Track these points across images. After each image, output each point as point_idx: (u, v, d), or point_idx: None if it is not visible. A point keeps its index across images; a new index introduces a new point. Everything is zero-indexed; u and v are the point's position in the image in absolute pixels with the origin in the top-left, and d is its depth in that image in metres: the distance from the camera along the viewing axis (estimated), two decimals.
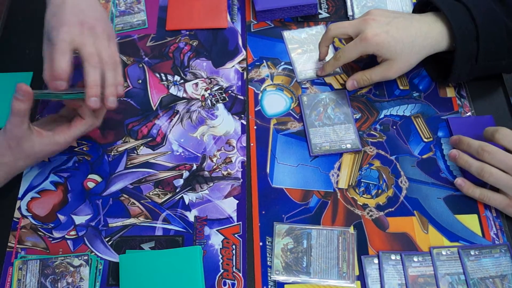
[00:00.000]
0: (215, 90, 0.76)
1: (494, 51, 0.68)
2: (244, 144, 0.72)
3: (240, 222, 0.66)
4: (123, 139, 0.73)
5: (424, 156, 0.70)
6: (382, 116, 0.74)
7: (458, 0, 0.69)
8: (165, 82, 0.78)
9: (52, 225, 0.67)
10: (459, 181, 0.66)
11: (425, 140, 0.71)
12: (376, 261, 0.63)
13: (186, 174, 0.70)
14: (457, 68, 0.69)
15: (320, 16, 0.84)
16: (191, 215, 0.67)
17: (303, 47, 0.80)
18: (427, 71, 0.77)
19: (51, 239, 0.66)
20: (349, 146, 0.71)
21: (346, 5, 0.84)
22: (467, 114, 0.73)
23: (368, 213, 0.66)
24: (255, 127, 0.73)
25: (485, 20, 0.67)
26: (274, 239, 0.64)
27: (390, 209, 0.66)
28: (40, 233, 0.66)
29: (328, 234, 0.64)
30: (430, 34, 0.69)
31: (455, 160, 0.67)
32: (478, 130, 0.69)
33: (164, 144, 0.72)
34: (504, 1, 0.69)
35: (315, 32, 0.81)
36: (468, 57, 0.68)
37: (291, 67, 0.79)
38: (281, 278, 0.62)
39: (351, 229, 0.65)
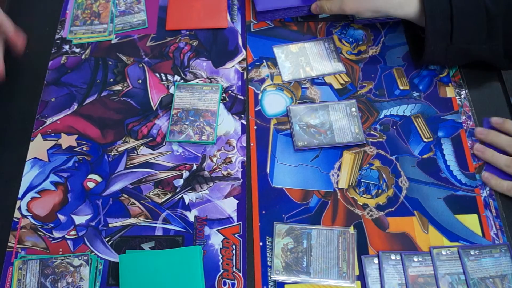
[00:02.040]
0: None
1: (471, 32, 0.68)
2: (244, 144, 0.72)
3: (240, 222, 0.66)
4: (123, 139, 0.73)
5: (424, 156, 0.70)
6: (382, 116, 0.74)
7: None
8: (165, 82, 0.78)
9: (52, 225, 0.67)
10: (486, 174, 0.67)
11: (425, 140, 0.71)
12: (376, 261, 0.63)
13: (186, 174, 0.70)
14: (430, 45, 0.69)
15: (320, 16, 0.84)
16: (191, 215, 0.67)
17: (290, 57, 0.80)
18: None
19: (51, 239, 0.66)
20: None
21: None
22: (468, 114, 0.74)
23: (368, 213, 0.66)
24: (255, 127, 0.73)
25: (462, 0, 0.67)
26: (274, 239, 0.64)
27: (390, 209, 0.66)
28: (40, 233, 0.66)
29: (328, 234, 0.64)
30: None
31: (480, 154, 0.68)
32: None
33: (164, 144, 0.72)
34: None
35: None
36: (441, 36, 0.68)
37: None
38: (281, 278, 0.62)
39: (351, 229, 0.65)
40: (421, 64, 0.77)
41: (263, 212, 0.67)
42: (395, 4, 0.71)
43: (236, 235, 0.65)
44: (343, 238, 0.64)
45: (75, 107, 0.76)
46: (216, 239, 0.65)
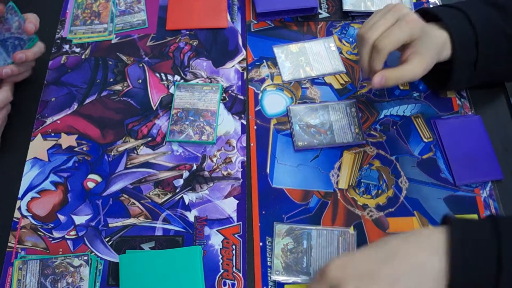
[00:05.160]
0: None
1: (492, 57, 0.68)
2: (244, 144, 0.72)
3: (240, 222, 0.66)
4: (123, 139, 0.73)
5: (424, 156, 0.70)
6: (382, 116, 0.74)
7: (456, 8, 0.69)
8: (165, 82, 0.78)
9: (52, 225, 0.67)
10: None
11: (425, 140, 0.71)
12: None
13: (186, 174, 0.70)
14: (456, 74, 0.67)
15: (320, 16, 0.84)
16: (191, 215, 0.67)
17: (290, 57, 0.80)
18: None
19: (51, 239, 0.66)
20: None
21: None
22: (468, 114, 0.73)
23: (368, 213, 0.66)
24: (255, 127, 0.73)
25: (484, 26, 0.66)
26: (274, 239, 0.64)
27: (390, 210, 0.66)
28: (40, 233, 0.66)
29: (328, 234, 0.64)
30: (439, 41, 0.66)
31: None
32: (466, 131, 0.70)
33: (164, 144, 0.72)
34: (500, 6, 0.68)
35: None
36: (468, 64, 0.67)
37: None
38: (281, 278, 0.62)
39: (351, 230, 0.65)
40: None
41: (263, 212, 0.67)
42: (440, 51, 0.66)
43: (236, 235, 0.65)
44: (343, 238, 0.64)
45: (75, 107, 0.76)
46: (216, 239, 0.65)
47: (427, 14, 0.70)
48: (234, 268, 0.63)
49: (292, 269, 0.62)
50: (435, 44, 0.65)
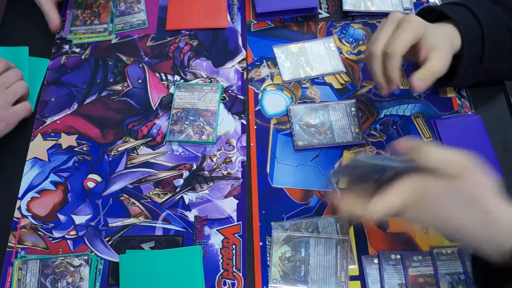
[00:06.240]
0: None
1: (497, 52, 0.68)
2: (244, 144, 0.72)
3: (240, 222, 0.66)
4: (123, 139, 0.73)
5: None
6: (382, 115, 0.74)
7: (460, 4, 0.69)
8: (165, 82, 0.78)
9: (52, 225, 0.67)
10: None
11: (425, 140, 0.71)
12: (376, 261, 0.63)
13: (186, 174, 0.70)
14: (462, 68, 0.68)
15: (320, 16, 0.84)
16: (191, 215, 0.67)
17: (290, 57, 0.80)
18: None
19: (51, 239, 0.66)
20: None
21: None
22: (468, 114, 0.73)
23: None
24: (255, 127, 0.73)
25: (489, 21, 0.67)
26: (272, 247, 0.64)
27: None
28: (40, 233, 0.66)
29: (327, 242, 0.64)
30: (448, 35, 0.66)
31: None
32: (466, 130, 0.70)
33: (164, 143, 0.72)
34: (503, 2, 0.69)
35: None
36: (474, 57, 0.67)
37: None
38: (278, 287, 0.61)
39: (351, 232, 0.65)
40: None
41: (263, 212, 0.67)
42: (452, 45, 0.66)
43: (236, 235, 0.65)
44: (341, 247, 0.64)
45: (75, 107, 0.76)
46: (216, 239, 0.65)
47: (431, 13, 0.70)
48: (234, 267, 0.63)
49: (290, 277, 0.62)
50: (446, 36, 0.65)
